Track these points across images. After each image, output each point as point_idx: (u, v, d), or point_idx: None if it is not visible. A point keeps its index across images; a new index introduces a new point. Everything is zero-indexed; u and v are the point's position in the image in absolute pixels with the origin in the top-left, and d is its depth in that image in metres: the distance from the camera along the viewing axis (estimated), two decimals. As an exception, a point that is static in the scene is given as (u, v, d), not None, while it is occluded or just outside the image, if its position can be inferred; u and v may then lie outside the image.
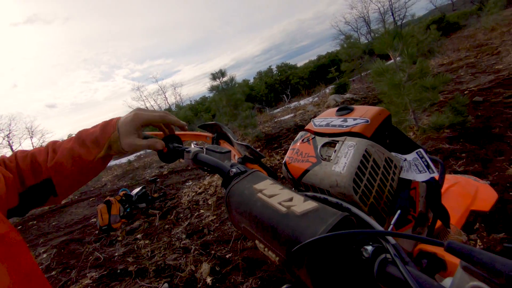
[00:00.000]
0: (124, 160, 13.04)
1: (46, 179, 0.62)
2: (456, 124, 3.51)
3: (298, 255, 0.34)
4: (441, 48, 10.64)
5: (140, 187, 4.59)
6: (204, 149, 0.62)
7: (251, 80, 20.21)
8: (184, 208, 3.95)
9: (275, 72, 19.57)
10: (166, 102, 28.20)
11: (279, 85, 17.92)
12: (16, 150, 0.68)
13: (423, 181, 0.47)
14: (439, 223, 0.51)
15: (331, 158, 0.44)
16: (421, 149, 0.47)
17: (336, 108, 0.51)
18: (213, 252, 2.71)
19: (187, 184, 5.06)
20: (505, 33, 9.33)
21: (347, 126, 0.46)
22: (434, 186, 0.49)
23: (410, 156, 0.47)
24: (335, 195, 0.44)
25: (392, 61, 4.29)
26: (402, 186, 0.45)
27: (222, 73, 9.61)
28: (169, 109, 25.30)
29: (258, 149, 5.53)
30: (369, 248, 0.31)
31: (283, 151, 4.94)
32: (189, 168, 6.12)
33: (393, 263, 0.29)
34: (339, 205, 0.41)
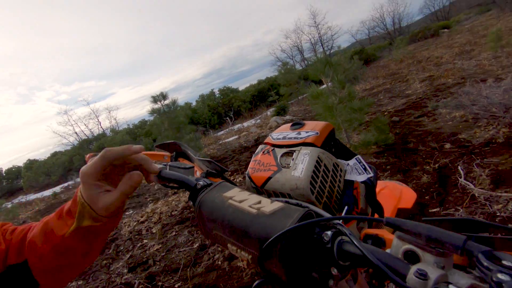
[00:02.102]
0: (47, 193, 11.48)
1: (24, 261, 0.50)
2: (381, 141, 4.02)
3: (270, 248, 0.39)
4: (363, 76, 12.16)
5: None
6: (168, 166, 0.63)
7: (194, 103, 20.11)
8: (125, 239, 3.64)
9: (217, 95, 19.85)
10: (100, 126, 26.07)
11: (222, 108, 18.18)
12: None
13: (362, 181, 0.57)
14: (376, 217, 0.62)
15: (290, 165, 0.51)
16: (358, 156, 0.58)
17: (290, 124, 0.60)
18: (160, 283, 2.54)
19: (127, 213, 4.69)
20: (410, 64, 11.17)
21: (301, 137, 0.54)
22: (370, 186, 0.60)
23: (351, 162, 0.57)
24: (295, 197, 0.50)
25: (325, 86, 4.77)
26: (347, 187, 0.54)
27: (163, 96, 9.38)
28: (103, 134, 23.37)
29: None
30: (329, 232, 0.37)
31: (229, 173, 4.97)
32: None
33: (348, 242, 0.36)
34: (299, 205, 0.48)
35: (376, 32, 33.52)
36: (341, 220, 0.43)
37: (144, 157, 0.53)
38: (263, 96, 18.47)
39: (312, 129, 0.55)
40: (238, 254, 0.46)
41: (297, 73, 13.71)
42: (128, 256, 3.16)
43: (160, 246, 3.16)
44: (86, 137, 24.65)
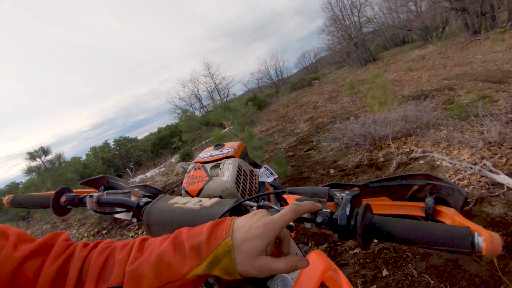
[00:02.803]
0: None
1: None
2: (281, 173, 4.54)
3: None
4: (259, 119, 13.50)
5: None
6: (104, 193, 0.69)
7: (83, 157, 17.79)
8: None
9: (112, 147, 18.22)
10: None
11: (120, 159, 16.69)
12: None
13: (270, 183, 0.77)
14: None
15: (218, 174, 0.67)
16: (266, 165, 0.79)
17: (213, 146, 0.77)
18: None
19: None
20: (295, 108, 13.14)
21: (223, 153, 0.71)
22: (276, 187, 0.81)
23: (262, 169, 0.77)
24: (225, 197, 0.66)
25: (227, 129, 5.16)
26: (261, 186, 0.74)
27: (44, 151, 8.08)
28: None
29: (103, 231, 4.82)
30: (254, 207, 0.54)
31: (136, 226, 4.57)
32: None
33: (271, 210, 0.54)
34: (232, 199, 0.63)
35: (264, 82, 38.33)
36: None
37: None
38: (166, 144, 18.00)
39: (231, 146, 0.73)
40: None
41: (198, 119, 14.10)
42: None
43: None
44: None
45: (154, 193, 0.75)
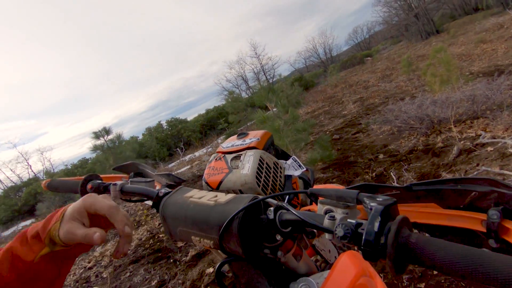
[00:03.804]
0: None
1: None
2: (325, 157, 4.37)
3: (228, 228, 0.48)
4: (304, 100, 13.12)
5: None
6: (129, 182, 0.69)
7: (140, 137, 19.32)
8: (70, 290, 3.26)
9: (165, 127, 19.44)
10: (30, 170, 23.20)
11: (171, 139, 17.80)
12: None
13: (299, 177, 0.70)
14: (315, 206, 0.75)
15: (239, 166, 0.62)
16: (294, 156, 0.71)
17: (237, 135, 0.71)
18: (116, 330, 2.33)
19: (71, 261, 4.21)
20: (343, 88, 12.45)
21: (246, 143, 0.65)
22: (306, 181, 0.73)
23: (289, 161, 0.70)
24: (245, 192, 0.61)
25: (270, 111, 5.08)
26: (287, 181, 0.67)
27: (106, 131, 8.92)
28: (35, 178, 20.81)
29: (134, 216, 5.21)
30: (272, 208, 0.48)
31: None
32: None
33: (287, 213, 0.47)
34: (249, 195, 0.58)
35: (311, 61, 36.85)
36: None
37: (121, 224, 0.54)
38: (213, 125, 18.62)
39: (254, 136, 0.67)
40: (201, 243, 0.54)
41: (243, 101, 14.21)
42: (75, 308, 2.84)
43: (113, 290, 2.91)
44: (13, 184, 21.70)
45: (177, 182, 0.74)
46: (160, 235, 3.85)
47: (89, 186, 0.68)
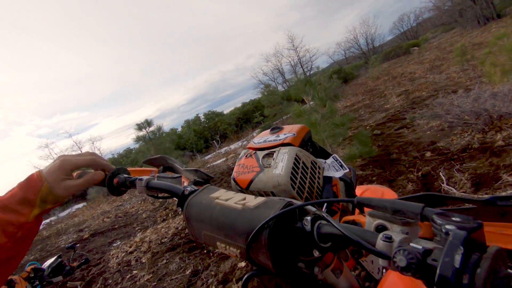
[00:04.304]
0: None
1: None
2: (365, 153, 4.12)
3: (257, 237, 0.42)
4: (343, 93, 12.60)
5: (54, 257, 3.88)
6: (155, 177, 0.66)
7: (179, 129, 20.08)
8: (113, 272, 3.48)
9: (203, 120, 19.97)
10: (83, 158, 25.31)
11: (208, 132, 18.26)
12: None
13: (340, 178, 0.61)
14: (357, 212, 0.65)
15: (271, 165, 0.55)
16: (335, 155, 0.62)
17: (270, 129, 0.64)
18: (152, 314, 2.43)
19: (114, 245, 4.50)
20: (386, 80, 11.71)
21: (279, 139, 0.58)
22: (348, 183, 0.64)
23: (329, 160, 0.61)
24: (278, 194, 0.53)
25: (307, 104, 4.92)
26: (326, 182, 0.58)
27: (148, 123, 9.36)
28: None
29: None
30: (308, 218, 0.40)
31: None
32: (116, 227, 5.50)
33: (327, 225, 0.39)
34: (281, 200, 0.51)
35: (351, 52, 35.20)
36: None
37: (107, 165, 0.67)
38: (249, 118, 18.71)
39: (289, 131, 0.59)
40: (227, 251, 0.48)
41: (279, 94, 14.05)
42: (117, 289, 3.02)
43: (151, 275, 3.04)
44: (69, 170, 23.83)
45: (204, 179, 0.69)
46: (195, 226, 3.94)
47: (115, 180, 0.66)
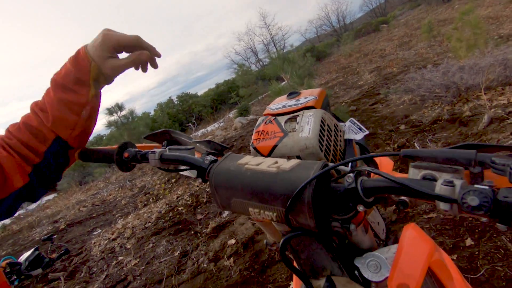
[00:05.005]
0: (-6, 226, 10.25)
1: (55, 139, 0.60)
2: (343, 128, 4.24)
3: (298, 198, 0.41)
4: (317, 71, 12.69)
5: (31, 250, 3.71)
6: (167, 149, 0.62)
7: (152, 113, 19.36)
8: (97, 260, 3.40)
9: (176, 103, 19.36)
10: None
11: (183, 114, 17.79)
12: (7, 126, 0.62)
13: (357, 142, 0.61)
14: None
15: (296, 129, 0.53)
16: (352, 118, 0.62)
17: (286, 95, 0.62)
18: (144, 297, 2.42)
19: (94, 233, 4.36)
20: (358, 57, 11.93)
21: (301, 103, 0.57)
22: (364, 147, 0.65)
23: (347, 123, 0.61)
24: (305, 158, 0.53)
25: (285, 82, 4.91)
26: (348, 146, 0.58)
27: (119, 107, 8.95)
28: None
29: (172, 180, 5.28)
30: (351, 175, 0.40)
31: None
32: (94, 215, 5.31)
33: (370, 180, 0.39)
34: (316, 162, 0.50)
35: (323, 30, 35.25)
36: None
37: (151, 47, 0.63)
38: (224, 99, 18.42)
39: (309, 94, 0.58)
40: (261, 215, 0.47)
41: (254, 74, 13.88)
42: (104, 276, 2.96)
43: (138, 260, 3.00)
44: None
45: (219, 150, 0.66)
46: (179, 208, 3.91)
47: (125, 154, 0.62)
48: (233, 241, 2.60)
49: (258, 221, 0.80)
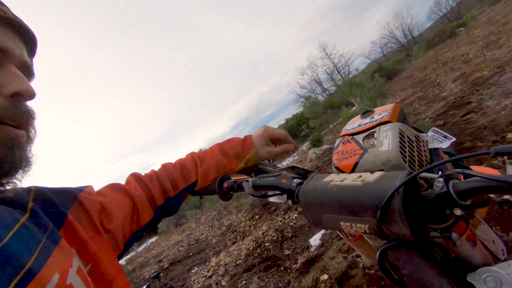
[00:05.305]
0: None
1: (193, 182, 0.78)
2: (431, 146, 3.80)
3: (388, 206, 0.43)
4: (390, 90, 11.94)
5: (144, 287, 4.19)
6: (257, 178, 0.71)
7: (229, 156, 20.64)
8: (197, 297, 3.61)
9: (250, 143, 20.34)
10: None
11: (258, 153, 18.47)
12: (164, 163, 0.82)
13: (445, 150, 0.60)
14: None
15: (375, 144, 0.56)
16: (434, 128, 0.61)
17: (359, 115, 0.66)
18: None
19: (193, 271, 4.71)
20: (436, 68, 10.85)
21: (376, 120, 0.60)
22: (454, 155, 0.62)
23: (429, 133, 0.60)
24: (388, 171, 0.54)
25: (355, 107, 4.79)
26: (435, 155, 0.57)
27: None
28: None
29: (256, 216, 5.43)
30: (440, 179, 0.41)
31: (283, 211, 4.90)
32: (190, 254, 5.76)
33: (462, 182, 0.39)
34: (400, 171, 0.52)
35: (389, 48, 33.58)
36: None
37: (293, 141, 0.84)
38: (295, 133, 18.63)
39: (383, 110, 0.61)
40: (353, 228, 0.50)
41: (322, 104, 13.87)
42: (203, 313, 3.11)
43: (232, 297, 3.09)
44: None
45: (302, 174, 0.72)
46: (266, 244, 3.96)
47: (225, 185, 0.73)
48: (325, 276, 2.48)
49: (351, 240, 0.80)
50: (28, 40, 0.49)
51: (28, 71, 0.47)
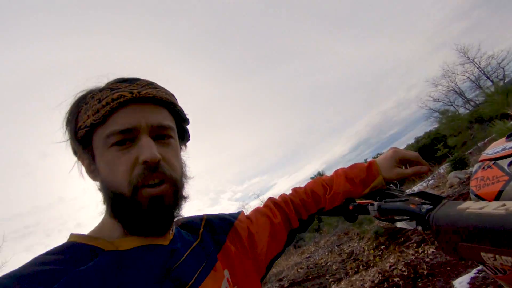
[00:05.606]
0: None
1: (321, 208, 0.82)
2: None
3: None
4: None
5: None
6: (383, 202, 0.73)
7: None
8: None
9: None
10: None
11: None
12: (294, 188, 0.89)
13: None
14: None
15: (524, 170, 0.50)
16: None
17: (504, 137, 0.60)
18: None
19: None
20: None
21: (525, 143, 0.53)
22: None
23: None
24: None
25: (516, 119, 3.82)
26: None
27: (320, 175, 9.84)
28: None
29: (381, 246, 4.92)
30: None
31: (415, 244, 4.26)
32: (310, 277, 5.71)
33: None
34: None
35: None
36: None
37: (425, 162, 0.81)
38: (428, 153, 16.05)
39: (536, 133, 0.54)
40: (497, 261, 0.46)
41: (464, 118, 11.55)
42: None
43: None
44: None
45: (433, 200, 0.69)
46: (395, 279, 3.52)
47: (350, 207, 0.78)
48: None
49: (500, 278, 0.69)
50: (161, 103, 0.54)
51: (162, 129, 0.52)
